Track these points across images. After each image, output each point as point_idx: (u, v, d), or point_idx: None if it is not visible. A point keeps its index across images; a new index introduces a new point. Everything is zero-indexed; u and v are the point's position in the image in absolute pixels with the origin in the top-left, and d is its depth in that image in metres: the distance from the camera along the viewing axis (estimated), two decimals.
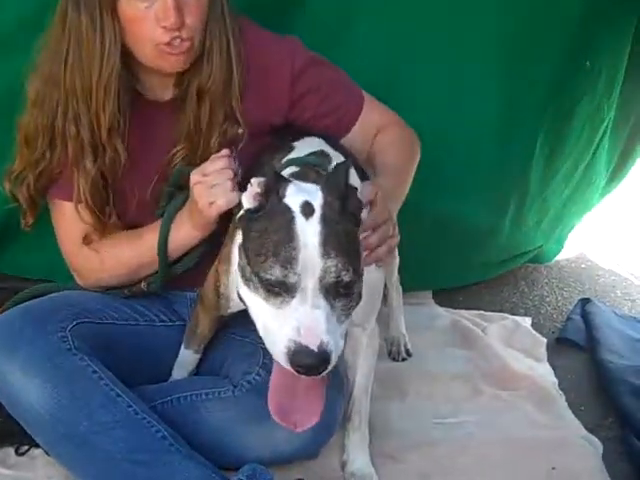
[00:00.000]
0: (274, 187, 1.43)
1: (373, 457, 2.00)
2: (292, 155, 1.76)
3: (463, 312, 2.99)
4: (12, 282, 2.42)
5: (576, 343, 2.84)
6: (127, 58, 1.76)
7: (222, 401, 1.81)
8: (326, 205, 1.40)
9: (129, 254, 1.89)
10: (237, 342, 1.97)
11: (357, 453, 1.96)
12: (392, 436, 2.15)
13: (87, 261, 1.93)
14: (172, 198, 1.86)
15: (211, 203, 1.67)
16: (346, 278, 1.37)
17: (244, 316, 1.83)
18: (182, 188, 1.83)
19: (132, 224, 1.95)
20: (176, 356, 1.98)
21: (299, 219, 1.38)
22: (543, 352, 2.74)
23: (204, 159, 1.79)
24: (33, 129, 1.80)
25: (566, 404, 2.40)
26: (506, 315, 3.01)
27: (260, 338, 1.45)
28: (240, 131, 1.85)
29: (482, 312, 3.02)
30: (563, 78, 2.70)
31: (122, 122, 1.78)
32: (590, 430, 2.27)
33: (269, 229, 1.39)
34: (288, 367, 1.34)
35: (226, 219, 1.73)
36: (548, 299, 3.29)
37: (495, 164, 2.74)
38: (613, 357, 2.64)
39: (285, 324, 1.34)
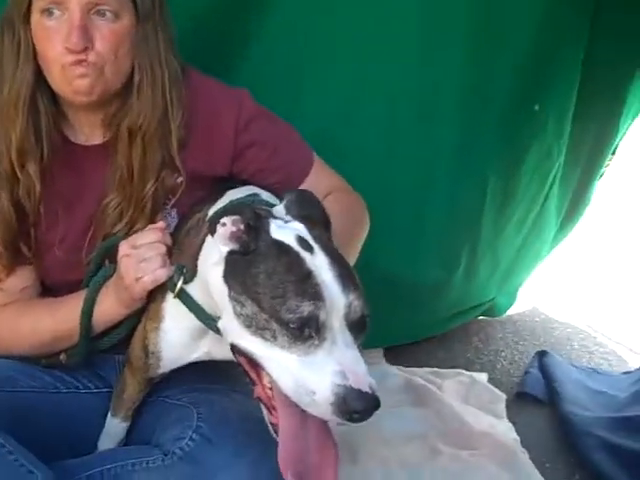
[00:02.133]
0: (259, 224, 1.32)
1: None
2: (222, 201, 1.63)
3: (416, 370, 2.87)
4: None
5: (536, 397, 2.75)
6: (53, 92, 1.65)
7: (151, 472, 1.59)
8: (317, 238, 1.33)
9: (46, 325, 1.71)
10: (168, 406, 1.77)
11: None
12: None
13: None
14: (100, 269, 1.71)
15: (138, 279, 1.53)
16: (366, 312, 1.27)
17: (175, 377, 1.70)
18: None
19: (56, 280, 1.79)
20: (103, 426, 1.78)
21: (304, 255, 1.28)
22: (502, 408, 2.65)
23: (139, 209, 1.67)
24: None
25: (531, 462, 2.29)
26: (461, 371, 2.91)
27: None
28: (180, 180, 1.72)
29: (436, 369, 2.91)
30: (512, 122, 2.64)
31: (40, 152, 1.65)
32: None
33: (278, 268, 1.26)
34: (335, 418, 1.21)
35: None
36: (503, 354, 3.21)
37: (446, 215, 2.66)
38: (576, 409, 2.55)
39: (323, 370, 1.21)
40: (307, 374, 1.22)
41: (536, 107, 2.64)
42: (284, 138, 1.86)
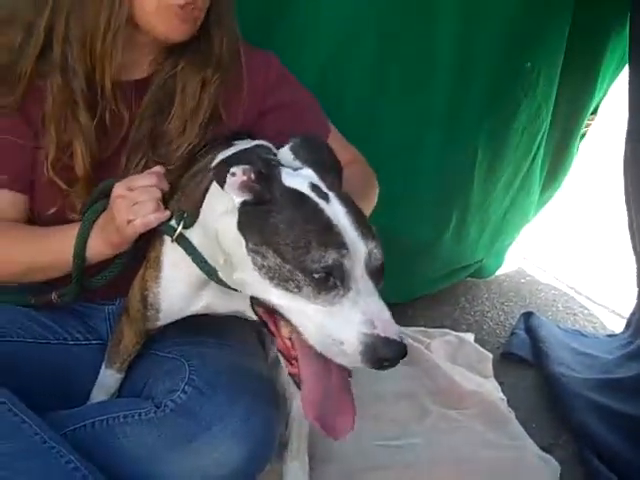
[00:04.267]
0: (270, 172, 1.29)
1: None
2: (231, 150, 1.59)
3: (404, 329, 2.84)
4: None
5: (522, 358, 2.75)
6: None
7: (143, 424, 1.59)
8: (330, 185, 1.31)
9: (28, 253, 1.67)
10: (159, 359, 1.76)
11: None
12: (334, 461, 2.02)
13: None
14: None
15: (129, 221, 1.51)
16: (384, 260, 1.26)
17: (166, 330, 1.70)
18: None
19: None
20: (93, 379, 1.77)
21: (321, 203, 1.26)
22: (490, 368, 2.65)
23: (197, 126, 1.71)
24: None
25: (517, 422, 2.29)
26: (448, 331, 2.91)
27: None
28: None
29: (424, 329, 2.91)
30: (504, 81, 2.61)
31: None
32: (543, 449, 2.17)
33: (297, 218, 1.24)
34: (364, 365, 1.19)
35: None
36: (489, 314, 3.21)
37: (437, 175, 2.64)
38: (564, 370, 2.55)
39: (350, 320, 1.20)
40: (334, 324, 1.21)
41: (528, 64, 2.62)
42: (307, 105, 1.88)
